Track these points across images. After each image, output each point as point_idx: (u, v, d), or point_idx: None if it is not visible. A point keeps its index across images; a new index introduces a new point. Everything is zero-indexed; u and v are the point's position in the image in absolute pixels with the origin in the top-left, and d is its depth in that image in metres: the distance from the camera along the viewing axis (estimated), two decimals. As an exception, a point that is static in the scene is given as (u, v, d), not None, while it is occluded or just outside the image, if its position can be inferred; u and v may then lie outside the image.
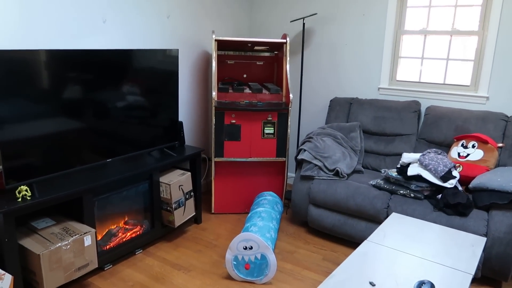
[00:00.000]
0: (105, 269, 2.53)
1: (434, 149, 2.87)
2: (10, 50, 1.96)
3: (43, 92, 2.13)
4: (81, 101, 2.33)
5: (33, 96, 2.08)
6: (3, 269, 1.98)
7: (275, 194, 3.21)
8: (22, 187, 2.03)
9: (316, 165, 3.02)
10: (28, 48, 2.29)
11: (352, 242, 2.96)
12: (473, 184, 2.57)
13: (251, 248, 2.41)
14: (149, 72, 2.73)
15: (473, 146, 2.79)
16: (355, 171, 3.13)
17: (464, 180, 2.72)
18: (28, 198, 2.04)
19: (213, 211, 3.39)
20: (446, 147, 3.03)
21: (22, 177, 2.08)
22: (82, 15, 2.58)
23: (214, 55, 3.19)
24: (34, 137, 2.12)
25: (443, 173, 2.60)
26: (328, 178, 2.96)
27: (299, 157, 3.09)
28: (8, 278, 1.85)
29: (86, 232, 2.22)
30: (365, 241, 2.03)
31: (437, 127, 3.08)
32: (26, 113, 2.06)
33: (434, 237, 2.09)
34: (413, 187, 2.66)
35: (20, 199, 2.02)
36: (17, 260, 2.02)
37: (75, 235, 2.18)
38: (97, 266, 2.30)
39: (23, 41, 2.29)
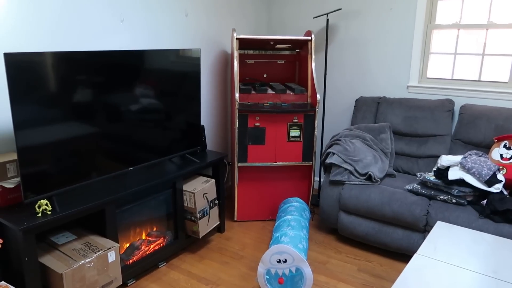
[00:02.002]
0: (129, 284, 2.38)
1: (475, 151, 2.69)
2: (31, 52, 1.81)
3: (63, 95, 1.97)
4: (101, 106, 2.17)
5: (52, 100, 1.93)
6: (23, 290, 1.83)
7: (302, 200, 3.04)
8: (42, 201, 1.88)
9: (346, 169, 2.84)
10: (47, 50, 2.13)
11: (388, 251, 2.78)
12: (521, 188, 2.39)
13: (285, 261, 2.24)
14: (170, 74, 2.57)
15: (518, 147, 2.61)
16: (387, 175, 2.95)
17: (509, 184, 2.53)
18: (49, 213, 1.89)
19: (236, 219, 3.23)
20: (485, 148, 2.84)
21: (41, 190, 1.93)
22: (100, 15, 2.42)
23: (236, 54, 3.03)
24: (53, 146, 1.96)
25: (488, 177, 2.42)
26: (360, 183, 2.78)
27: (328, 161, 2.91)
28: (29, 300, 1.70)
29: (110, 248, 2.06)
30: (415, 254, 1.86)
31: (475, 127, 2.89)
32: (46, 118, 1.90)
33: (490, 249, 1.91)
34: (454, 192, 2.48)
35: (40, 214, 1.86)
36: (38, 280, 1.87)
37: (99, 250, 2.02)
38: (121, 283, 2.15)
39: (42, 43, 2.14)
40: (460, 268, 1.74)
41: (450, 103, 3.07)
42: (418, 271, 1.72)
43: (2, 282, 1.68)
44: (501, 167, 2.59)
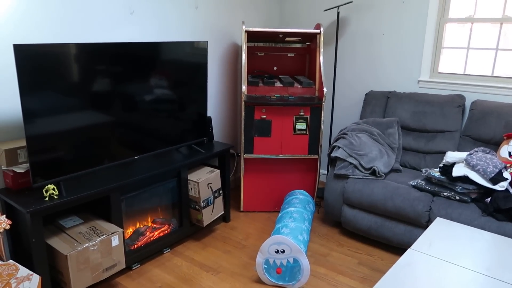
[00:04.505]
0: (133, 268, 2.48)
1: (482, 148, 2.64)
2: (39, 44, 1.89)
3: (71, 85, 2.06)
4: (109, 96, 2.25)
5: (61, 90, 2.01)
6: (31, 269, 1.94)
7: (306, 193, 3.06)
8: (49, 186, 1.98)
9: (351, 163, 2.85)
10: (56, 42, 2.23)
11: (389, 245, 2.79)
12: (527, 187, 2.34)
13: (283, 251, 2.29)
14: (177, 65, 2.63)
15: (527, 145, 2.55)
16: (392, 170, 2.94)
17: (516, 182, 2.48)
18: (55, 197, 1.99)
19: (242, 209, 3.29)
20: (494, 145, 2.79)
21: (49, 175, 2.03)
22: (110, 7, 2.50)
23: (244, 47, 3.06)
24: (62, 133, 2.06)
25: (492, 175, 2.38)
26: (364, 177, 2.78)
27: (333, 154, 2.92)
28: (36, 278, 1.80)
29: (114, 232, 2.15)
30: (409, 249, 1.86)
31: (485, 124, 2.84)
32: (54, 108, 1.99)
33: (486, 247, 1.90)
34: (458, 189, 2.45)
35: (47, 198, 1.97)
36: (45, 260, 1.98)
37: (103, 235, 2.12)
38: (124, 266, 2.24)
39: (51, 35, 2.23)
40: (452, 264, 1.74)
41: (460, 98, 3.02)
42: (409, 266, 1.73)
43: (10, 260, 1.79)
44: (508, 165, 2.54)
